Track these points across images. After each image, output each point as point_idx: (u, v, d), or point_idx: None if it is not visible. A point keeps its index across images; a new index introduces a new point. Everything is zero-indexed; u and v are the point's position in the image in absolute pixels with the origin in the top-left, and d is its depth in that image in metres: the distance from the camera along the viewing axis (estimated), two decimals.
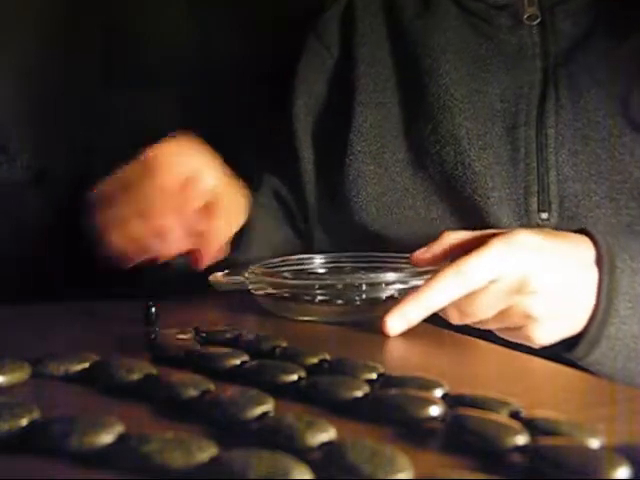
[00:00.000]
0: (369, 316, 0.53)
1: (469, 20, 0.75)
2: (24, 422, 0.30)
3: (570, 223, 0.66)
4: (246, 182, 0.66)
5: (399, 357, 0.48)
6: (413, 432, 0.31)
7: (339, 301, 0.56)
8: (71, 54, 1.05)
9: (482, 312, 0.51)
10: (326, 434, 0.29)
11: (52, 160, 1.05)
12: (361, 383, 0.36)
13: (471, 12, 0.75)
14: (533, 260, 0.50)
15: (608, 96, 0.67)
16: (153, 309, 0.53)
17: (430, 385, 0.36)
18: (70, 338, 0.51)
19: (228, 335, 0.47)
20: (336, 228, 0.79)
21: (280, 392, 0.35)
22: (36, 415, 0.31)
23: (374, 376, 0.38)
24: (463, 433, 0.30)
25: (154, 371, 0.38)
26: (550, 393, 0.41)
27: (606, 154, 0.66)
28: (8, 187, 1.03)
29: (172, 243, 0.57)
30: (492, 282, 0.49)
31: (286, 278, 0.58)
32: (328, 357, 0.41)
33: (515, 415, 0.32)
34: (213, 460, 0.26)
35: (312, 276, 0.64)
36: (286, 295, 0.57)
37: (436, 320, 0.52)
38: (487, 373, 0.45)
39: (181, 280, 0.64)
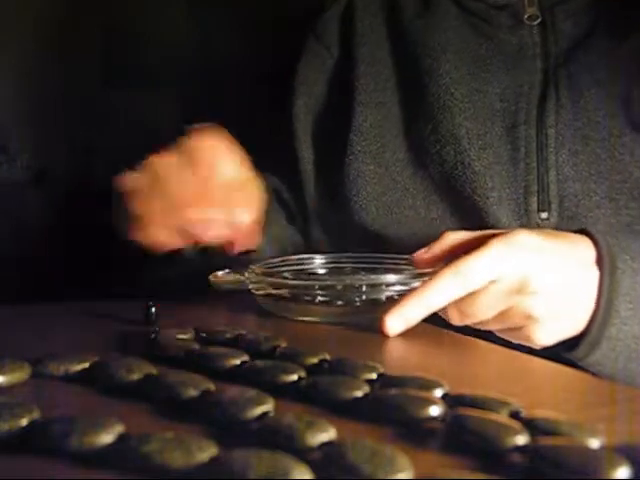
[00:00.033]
0: (369, 317, 0.53)
1: (469, 20, 0.75)
2: (24, 422, 0.30)
3: (570, 223, 0.66)
4: None
5: (399, 357, 0.48)
6: (413, 432, 0.31)
7: (339, 302, 0.56)
8: (71, 54, 1.05)
9: (482, 313, 0.51)
10: (326, 434, 0.29)
11: (52, 160, 1.05)
12: (361, 383, 0.36)
13: (471, 12, 0.75)
14: (533, 260, 0.50)
15: (608, 96, 0.67)
16: (153, 309, 0.53)
17: (430, 385, 0.36)
18: (70, 338, 0.51)
19: (228, 335, 0.47)
20: (336, 228, 0.79)
21: (280, 392, 0.35)
22: (36, 415, 0.31)
23: (374, 376, 0.38)
24: (463, 433, 0.30)
25: (154, 371, 0.38)
26: (550, 393, 0.41)
27: (606, 154, 0.66)
28: (8, 187, 1.03)
29: (213, 233, 0.57)
30: (492, 283, 0.49)
31: (286, 278, 0.58)
32: (328, 357, 0.41)
33: (515, 415, 0.32)
34: (213, 460, 0.26)
35: (312, 276, 0.64)
36: (286, 295, 0.57)
37: (436, 320, 0.52)
38: (487, 373, 0.45)
39: (181, 280, 0.64)
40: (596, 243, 0.54)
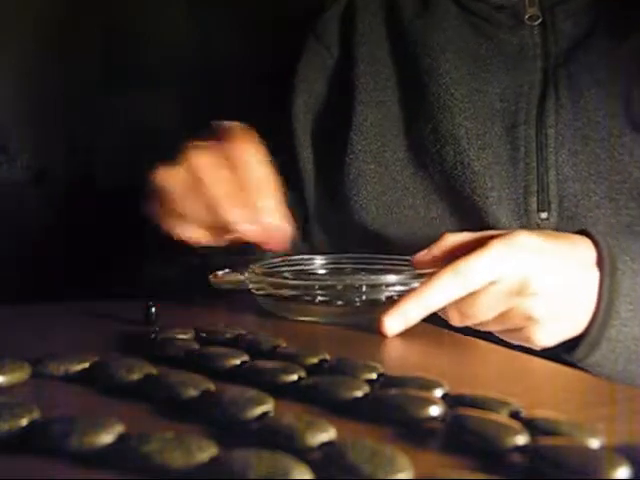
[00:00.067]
0: (369, 317, 0.53)
1: (469, 20, 0.75)
2: (24, 422, 0.30)
3: (569, 223, 0.66)
4: None
5: (399, 357, 0.48)
6: (413, 432, 0.31)
7: (339, 302, 0.56)
8: (71, 54, 1.05)
9: (482, 314, 0.51)
10: (326, 434, 0.29)
11: (52, 160, 1.06)
12: (361, 383, 0.36)
13: (471, 12, 0.75)
14: (533, 262, 0.50)
15: (608, 96, 0.67)
16: (153, 309, 0.53)
17: (430, 385, 0.36)
18: (70, 338, 0.51)
19: (228, 335, 0.47)
20: (336, 228, 0.79)
21: (280, 392, 0.35)
22: (36, 415, 0.31)
23: (374, 376, 0.38)
24: (463, 433, 0.30)
25: (154, 371, 0.38)
26: (550, 393, 0.41)
27: (606, 154, 0.66)
28: (8, 187, 1.04)
29: (249, 232, 0.57)
30: (492, 284, 0.49)
31: (286, 278, 0.58)
32: (328, 357, 0.41)
33: (515, 415, 0.32)
34: (213, 460, 0.26)
35: (312, 277, 0.64)
36: (286, 295, 0.57)
37: (436, 320, 0.52)
38: (487, 373, 0.45)
39: (181, 280, 0.64)
40: (596, 244, 0.54)
